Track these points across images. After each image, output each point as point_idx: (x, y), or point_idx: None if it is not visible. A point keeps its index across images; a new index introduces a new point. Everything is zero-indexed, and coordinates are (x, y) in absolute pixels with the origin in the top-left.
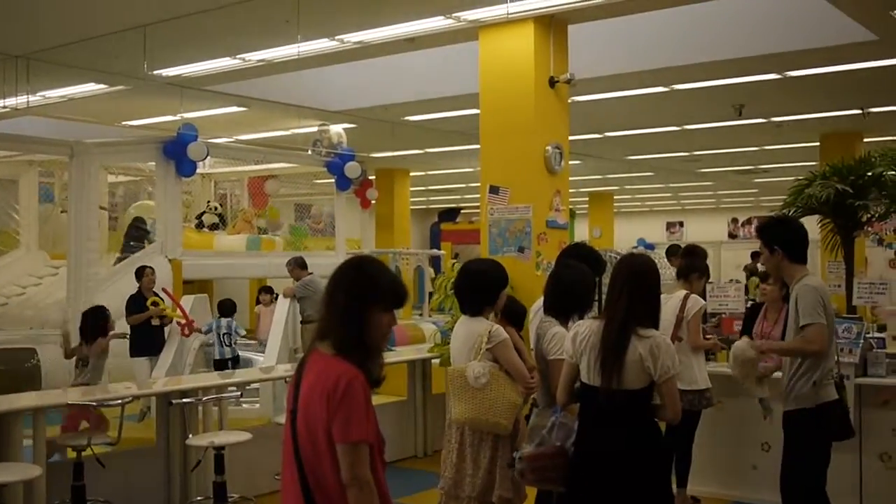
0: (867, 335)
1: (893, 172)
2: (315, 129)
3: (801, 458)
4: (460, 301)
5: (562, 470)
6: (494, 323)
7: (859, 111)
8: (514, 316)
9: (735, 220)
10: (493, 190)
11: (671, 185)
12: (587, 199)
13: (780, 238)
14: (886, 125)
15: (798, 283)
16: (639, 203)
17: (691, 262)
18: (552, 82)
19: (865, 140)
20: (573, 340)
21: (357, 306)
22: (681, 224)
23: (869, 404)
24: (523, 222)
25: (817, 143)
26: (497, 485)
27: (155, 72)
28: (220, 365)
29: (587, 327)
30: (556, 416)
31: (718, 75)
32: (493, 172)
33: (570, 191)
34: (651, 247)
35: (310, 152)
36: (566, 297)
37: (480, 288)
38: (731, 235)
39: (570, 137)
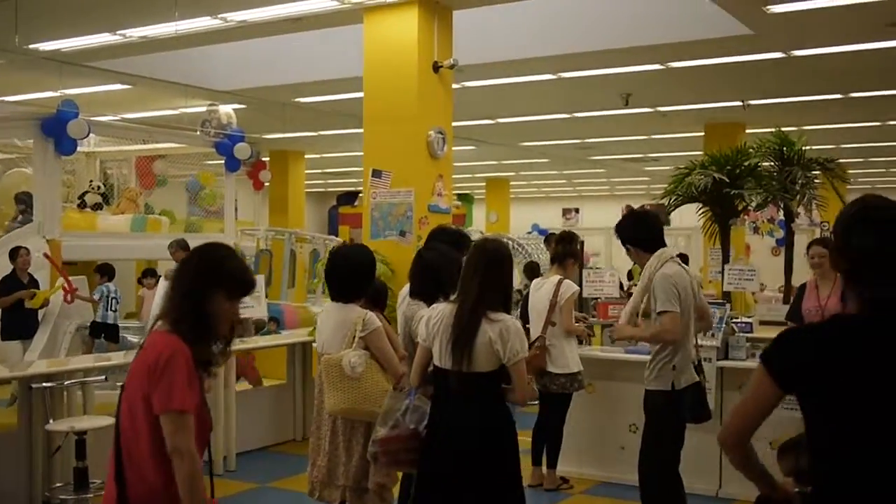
0: (734, 320)
1: (769, 163)
2: (204, 108)
3: (656, 437)
4: (332, 288)
5: (415, 453)
6: (366, 310)
7: (740, 103)
8: (377, 297)
9: (629, 207)
10: (376, 173)
11: (565, 171)
12: (484, 184)
13: (627, 235)
14: (766, 117)
15: (655, 270)
16: (535, 189)
17: (567, 248)
18: (436, 67)
19: (748, 131)
20: (426, 324)
21: (199, 289)
22: (577, 210)
23: (730, 387)
24: (405, 206)
25: (703, 133)
26: (372, 472)
27: (31, 46)
28: (100, 328)
29: (440, 311)
30: (411, 399)
31: (604, 64)
32: (376, 156)
33: (467, 176)
34: (544, 232)
35: (198, 133)
36: (430, 280)
37: (355, 275)
38: None
39: (464, 123)
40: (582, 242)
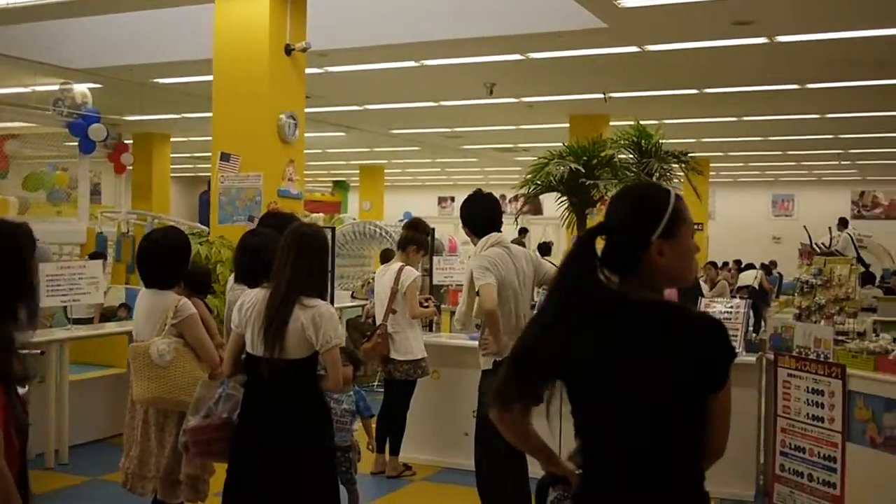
0: None
1: (626, 155)
2: (57, 87)
3: (483, 418)
4: (145, 275)
5: (227, 442)
6: (181, 296)
7: (601, 95)
8: (198, 282)
9: (503, 197)
10: (224, 157)
11: (438, 160)
12: (358, 171)
13: (462, 216)
14: (628, 110)
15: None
16: (410, 177)
17: (410, 235)
18: (288, 50)
19: (612, 123)
20: (239, 309)
21: None
22: (452, 199)
23: None
24: (254, 191)
25: (568, 125)
26: (184, 463)
27: None
28: None
29: (253, 296)
30: (224, 387)
31: (465, 53)
32: (226, 139)
33: (341, 163)
34: None
35: (51, 112)
36: (253, 265)
37: (168, 259)
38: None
39: (332, 109)
40: (433, 230)
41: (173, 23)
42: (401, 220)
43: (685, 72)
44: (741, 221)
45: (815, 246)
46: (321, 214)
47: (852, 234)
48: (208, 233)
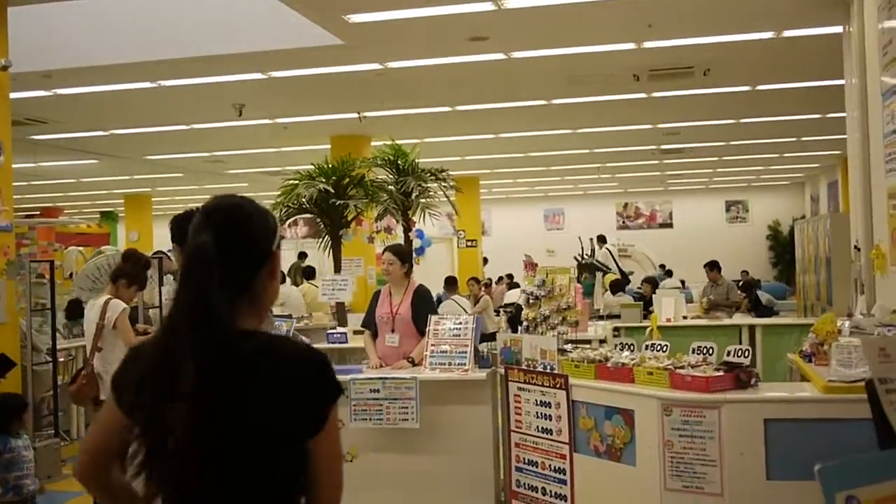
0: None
1: (385, 175)
2: None
3: None
4: None
5: None
6: None
7: (356, 115)
8: None
9: (282, 221)
10: None
11: (205, 186)
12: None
13: (174, 234)
14: (387, 129)
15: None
16: (180, 206)
17: (121, 268)
18: None
19: (373, 143)
20: None
21: None
22: None
23: None
24: None
25: (329, 146)
26: None
27: None
28: None
29: None
30: None
31: (203, 73)
32: None
33: (103, 192)
34: None
35: None
36: None
37: None
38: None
39: (74, 134)
40: (148, 261)
41: None
42: (169, 250)
43: (433, 89)
44: (516, 237)
45: (583, 257)
46: (73, 248)
47: (611, 249)
48: None
